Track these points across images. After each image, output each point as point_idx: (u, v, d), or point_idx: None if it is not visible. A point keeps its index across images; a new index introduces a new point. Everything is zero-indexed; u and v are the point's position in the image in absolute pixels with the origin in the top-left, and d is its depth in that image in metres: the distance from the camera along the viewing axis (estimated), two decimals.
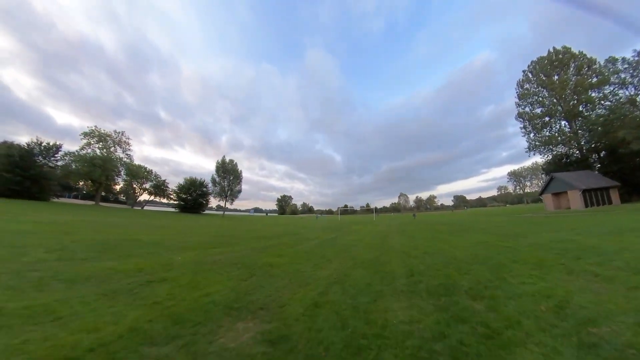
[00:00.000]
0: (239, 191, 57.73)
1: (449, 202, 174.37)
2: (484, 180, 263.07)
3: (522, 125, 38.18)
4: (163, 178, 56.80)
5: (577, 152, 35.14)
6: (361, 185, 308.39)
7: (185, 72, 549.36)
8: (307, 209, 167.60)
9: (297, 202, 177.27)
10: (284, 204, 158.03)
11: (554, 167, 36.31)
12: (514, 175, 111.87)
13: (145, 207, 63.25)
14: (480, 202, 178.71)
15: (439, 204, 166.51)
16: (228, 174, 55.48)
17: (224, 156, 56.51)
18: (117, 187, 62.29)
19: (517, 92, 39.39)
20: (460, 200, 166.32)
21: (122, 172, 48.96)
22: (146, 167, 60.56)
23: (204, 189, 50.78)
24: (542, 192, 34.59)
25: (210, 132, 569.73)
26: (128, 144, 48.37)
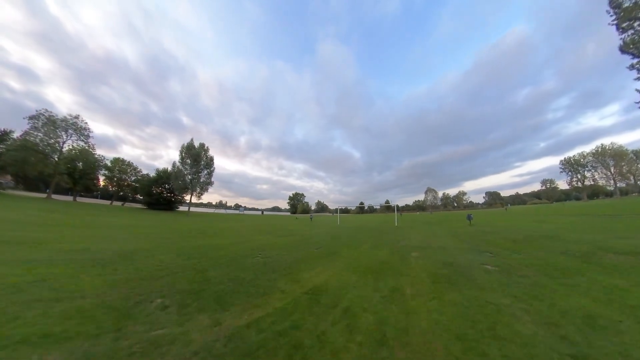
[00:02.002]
0: (209, 183, 45.38)
1: (478, 199, 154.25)
2: (518, 175, 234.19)
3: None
4: (146, 172, 48.00)
5: None
6: (382, 182, 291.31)
7: (202, 77, 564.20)
8: (321, 208, 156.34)
9: (314, 200, 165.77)
10: (296, 202, 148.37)
11: None
12: (569, 165, 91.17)
13: (125, 204, 54.81)
14: (518, 199, 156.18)
15: (467, 201, 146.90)
16: (194, 161, 43.48)
17: (192, 139, 44.66)
18: (101, 183, 54.86)
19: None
20: (494, 198, 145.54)
21: (80, 164, 40.31)
22: (125, 160, 52.26)
23: (179, 183, 40.53)
24: None
25: (229, 134, 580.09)
26: (87, 129, 39.42)
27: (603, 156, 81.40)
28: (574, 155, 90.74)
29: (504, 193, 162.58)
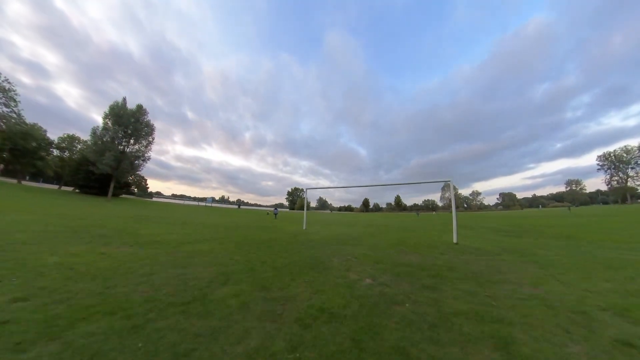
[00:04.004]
0: (141, 158, 33.16)
1: (490, 200, 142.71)
2: (530, 177, 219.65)
3: None
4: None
5: None
6: (390, 181, 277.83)
7: (206, 70, 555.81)
8: (321, 204, 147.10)
9: (319, 197, 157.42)
10: (295, 197, 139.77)
11: None
12: (608, 161, 78.91)
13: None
14: (536, 202, 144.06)
15: (480, 202, 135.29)
16: (121, 126, 30.88)
17: (124, 98, 32.44)
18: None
19: None
20: (511, 199, 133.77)
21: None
22: (79, 137, 43.04)
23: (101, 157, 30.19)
24: None
25: (234, 129, 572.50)
26: (13, 91, 30.17)
27: None
28: (614, 150, 78.17)
29: (517, 195, 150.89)
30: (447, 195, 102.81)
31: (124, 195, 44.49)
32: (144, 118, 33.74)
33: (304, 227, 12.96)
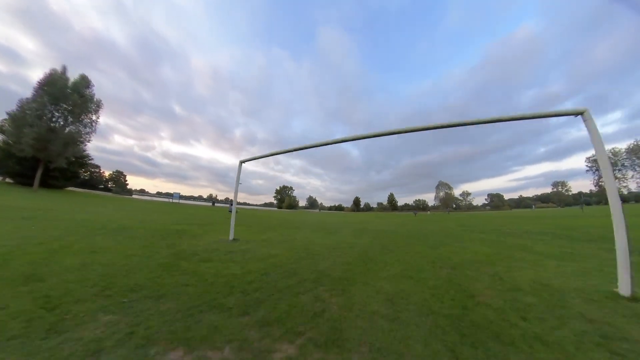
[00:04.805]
0: (79, 140, 26.69)
1: (479, 201, 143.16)
2: (514, 180, 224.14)
3: None
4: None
5: None
6: (380, 181, 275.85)
7: (195, 64, 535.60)
8: (310, 204, 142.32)
9: (313, 196, 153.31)
10: (283, 195, 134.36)
11: None
12: (596, 163, 78.46)
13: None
14: (523, 203, 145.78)
15: (469, 202, 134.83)
16: (57, 100, 24.41)
17: (64, 66, 25.99)
18: None
19: None
20: (500, 200, 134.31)
21: None
22: None
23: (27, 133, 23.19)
24: None
25: (224, 125, 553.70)
26: None
27: (636, 153, 69.47)
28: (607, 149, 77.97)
29: (505, 196, 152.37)
30: (441, 194, 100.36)
31: (71, 188, 37.39)
32: (89, 91, 27.24)
33: (231, 238, 7.24)
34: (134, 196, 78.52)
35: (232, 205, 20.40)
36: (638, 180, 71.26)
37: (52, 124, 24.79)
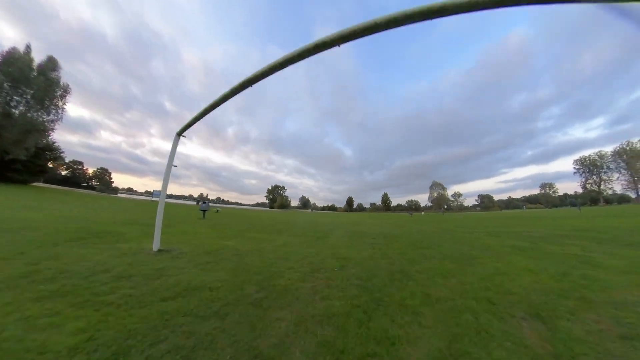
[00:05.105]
0: (41, 128, 23.14)
1: (469, 202, 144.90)
2: (504, 182, 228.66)
3: None
4: None
5: None
6: (374, 181, 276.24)
7: (188, 59, 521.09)
8: (303, 204, 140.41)
9: (296, 195, 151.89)
10: (276, 195, 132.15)
11: None
12: (584, 165, 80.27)
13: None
14: (512, 204, 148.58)
15: (461, 203, 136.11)
16: (19, 82, 21.25)
17: (28, 45, 22.55)
18: None
19: None
20: (491, 201, 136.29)
21: None
22: None
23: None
24: None
25: (217, 123, 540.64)
26: None
27: (621, 156, 70.94)
28: (590, 155, 79.71)
29: (495, 197, 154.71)
30: (435, 194, 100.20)
31: (41, 184, 34.16)
32: (56, 74, 24.25)
33: (155, 248, 5.24)
34: (119, 195, 74.64)
35: (204, 203, 16.42)
36: (623, 182, 73.52)
37: (10, 108, 21.78)
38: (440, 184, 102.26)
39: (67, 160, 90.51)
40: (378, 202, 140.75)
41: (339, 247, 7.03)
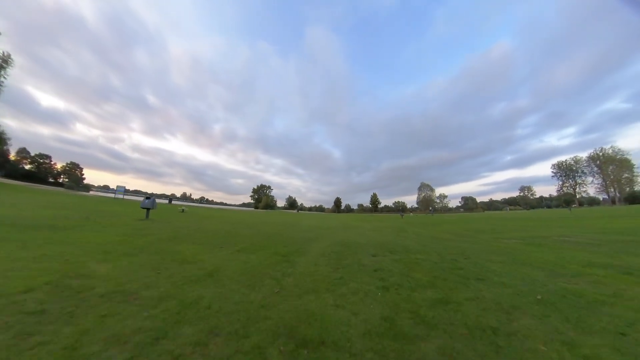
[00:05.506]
0: None
1: (453, 203, 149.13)
2: (484, 185, 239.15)
3: None
4: None
5: None
6: (361, 183, 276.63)
7: (174, 51, 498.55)
8: (290, 204, 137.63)
9: (283, 196, 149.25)
10: (261, 194, 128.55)
11: None
12: (561, 169, 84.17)
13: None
14: (493, 206, 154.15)
15: (445, 204, 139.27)
16: None
17: None
18: None
19: None
20: (474, 202, 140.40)
21: None
22: None
23: None
24: None
25: (203, 120, 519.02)
26: None
27: (595, 161, 75.06)
28: (566, 160, 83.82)
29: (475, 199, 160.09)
30: (423, 195, 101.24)
31: None
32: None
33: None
34: (91, 192, 68.48)
35: (147, 199, 10.64)
36: (596, 185, 77.74)
37: None
38: (428, 185, 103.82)
39: (32, 154, 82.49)
40: (366, 203, 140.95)
41: (311, 292, 3.47)
